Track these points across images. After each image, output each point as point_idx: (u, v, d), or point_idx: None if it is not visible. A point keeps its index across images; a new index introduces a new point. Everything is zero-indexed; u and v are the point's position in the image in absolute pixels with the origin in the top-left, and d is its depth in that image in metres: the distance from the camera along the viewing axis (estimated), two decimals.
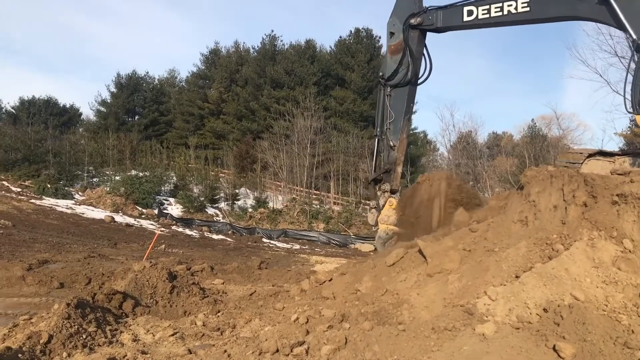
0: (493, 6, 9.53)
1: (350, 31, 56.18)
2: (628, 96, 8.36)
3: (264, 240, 29.56)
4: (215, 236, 29.10)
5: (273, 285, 11.74)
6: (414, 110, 10.65)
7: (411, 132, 45.70)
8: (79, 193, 39.08)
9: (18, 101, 65.05)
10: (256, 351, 5.28)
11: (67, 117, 67.85)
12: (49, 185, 36.83)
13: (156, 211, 36.75)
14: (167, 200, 41.63)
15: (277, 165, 46.41)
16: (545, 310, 4.81)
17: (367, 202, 10.48)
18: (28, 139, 43.28)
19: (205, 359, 5.42)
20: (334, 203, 44.80)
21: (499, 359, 4.30)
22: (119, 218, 30.40)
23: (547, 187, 6.63)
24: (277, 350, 5.17)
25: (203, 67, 64.96)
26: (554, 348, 4.26)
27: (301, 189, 44.93)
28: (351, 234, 33.28)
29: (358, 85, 52.68)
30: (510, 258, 5.94)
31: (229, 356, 5.41)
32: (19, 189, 36.42)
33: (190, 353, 5.62)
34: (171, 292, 9.10)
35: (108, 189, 38.87)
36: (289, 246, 27.51)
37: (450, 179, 9.50)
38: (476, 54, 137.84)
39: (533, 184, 6.89)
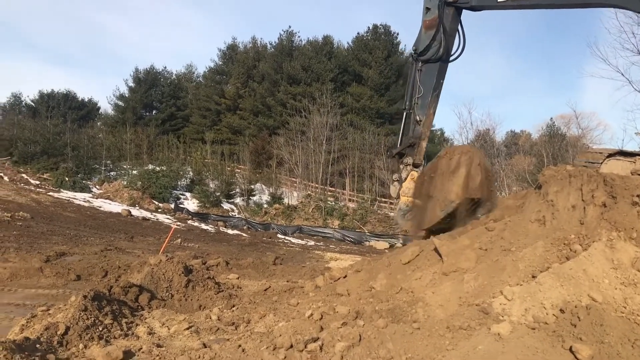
0: None
1: (368, 27, 56.07)
2: None
3: (279, 236, 29.67)
4: (230, 231, 29.26)
5: (287, 281, 11.78)
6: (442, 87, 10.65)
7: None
8: (97, 186, 39.54)
9: (37, 95, 66.20)
10: (270, 346, 5.31)
11: (86, 110, 68.81)
12: (67, 178, 37.36)
13: (172, 205, 37.05)
14: (184, 195, 41.96)
15: (293, 161, 46.49)
16: (562, 311, 4.76)
17: (393, 177, 10.47)
18: (47, 132, 44.04)
19: (220, 353, 5.45)
20: (349, 200, 44.72)
21: (515, 359, 4.27)
22: (136, 212, 30.67)
23: (565, 187, 6.55)
24: (291, 346, 5.19)
25: (220, 63, 65.36)
26: (570, 349, 4.22)
27: (316, 185, 44.98)
28: (366, 231, 33.23)
29: (375, 82, 52.38)
30: (527, 258, 5.88)
31: (243, 351, 5.44)
32: (37, 182, 36.88)
33: (205, 347, 5.66)
34: (186, 286, 9.20)
35: (125, 182, 39.30)
36: (303, 242, 27.58)
37: (472, 153, 9.37)
38: (495, 51, 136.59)
39: (551, 183, 6.82)
